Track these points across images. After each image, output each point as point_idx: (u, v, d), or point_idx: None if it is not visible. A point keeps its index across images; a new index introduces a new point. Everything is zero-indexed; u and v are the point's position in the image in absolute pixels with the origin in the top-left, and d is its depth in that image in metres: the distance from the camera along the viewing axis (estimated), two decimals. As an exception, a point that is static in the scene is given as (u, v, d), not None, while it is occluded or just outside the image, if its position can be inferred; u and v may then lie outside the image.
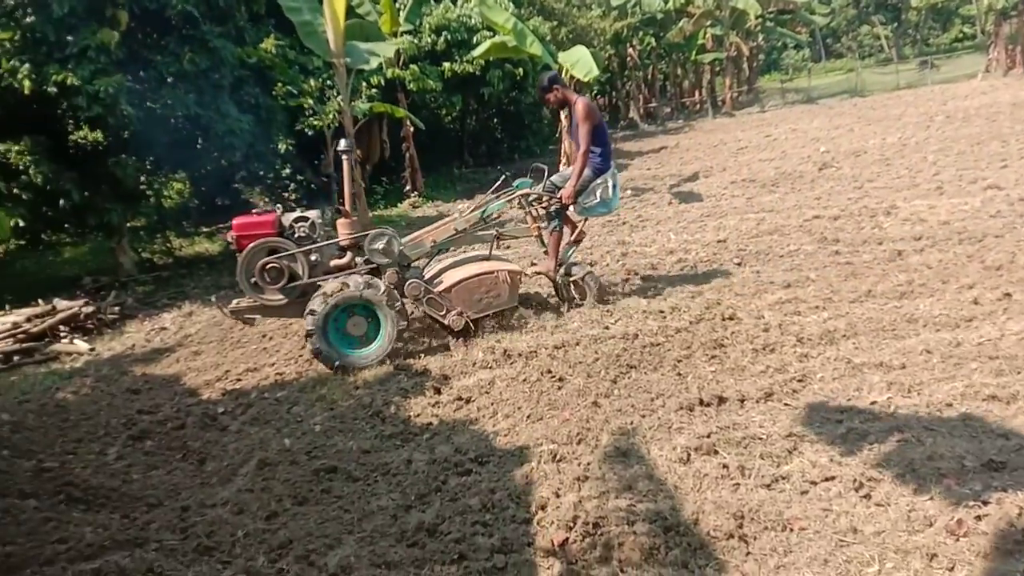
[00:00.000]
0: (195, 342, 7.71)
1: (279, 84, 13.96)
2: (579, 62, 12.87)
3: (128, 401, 6.09)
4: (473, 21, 19.49)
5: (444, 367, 5.76)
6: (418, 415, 5.04)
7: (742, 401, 4.55)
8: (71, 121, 10.33)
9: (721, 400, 4.55)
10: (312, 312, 5.77)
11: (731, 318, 5.98)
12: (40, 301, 9.38)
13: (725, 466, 3.77)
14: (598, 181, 6.57)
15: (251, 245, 5.89)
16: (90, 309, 9.14)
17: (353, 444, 4.62)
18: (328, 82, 14.96)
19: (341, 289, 5.82)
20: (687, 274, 7.54)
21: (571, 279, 6.83)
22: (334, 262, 6.26)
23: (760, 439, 4.02)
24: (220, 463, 4.59)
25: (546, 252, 6.86)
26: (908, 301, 6.11)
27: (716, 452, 3.94)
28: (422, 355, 6.12)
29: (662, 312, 6.24)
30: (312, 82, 15.02)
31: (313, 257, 6.06)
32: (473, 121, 24.36)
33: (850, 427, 4.07)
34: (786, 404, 4.47)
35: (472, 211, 6.66)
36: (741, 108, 33.75)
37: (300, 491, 4.05)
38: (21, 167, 9.70)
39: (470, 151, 23.83)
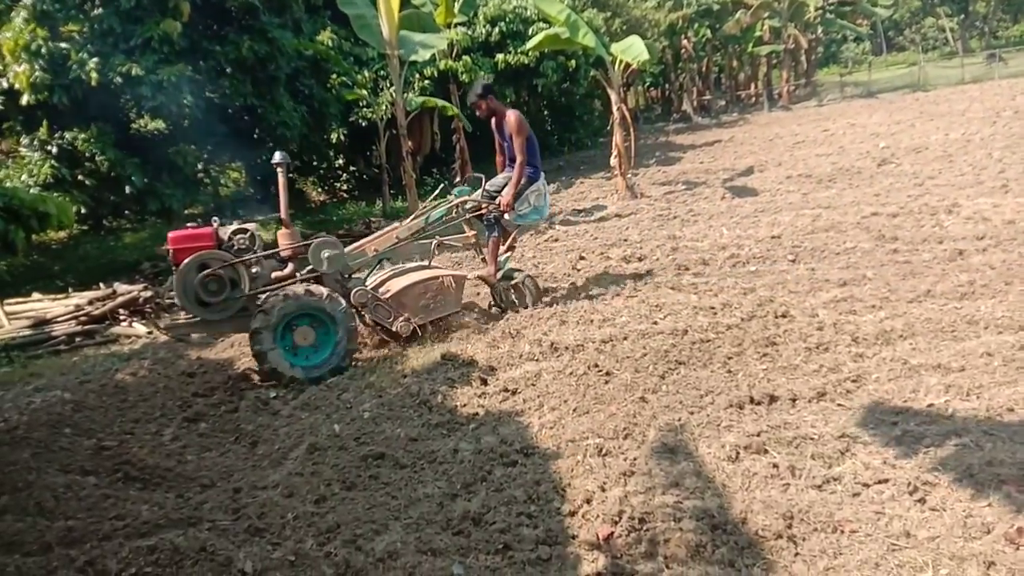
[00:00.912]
0: (249, 328, 7.87)
1: (334, 76, 14.15)
2: (630, 47, 12.71)
3: (184, 384, 6.26)
4: (528, 12, 19.45)
5: (491, 358, 5.78)
6: (464, 405, 5.07)
7: (794, 400, 4.46)
8: (134, 110, 10.63)
9: (772, 399, 4.47)
10: (260, 329, 5.58)
11: (784, 316, 5.88)
12: (101, 285, 9.70)
13: (775, 465, 3.71)
14: (531, 189, 6.82)
15: (188, 259, 5.60)
16: (149, 293, 9.41)
17: (401, 432, 4.67)
18: (382, 73, 15.10)
19: (285, 300, 5.65)
20: (739, 270, 7.42)
21: (512, 283, 7.00)
22: (275, 274, 6.06)
23: (812, 439, 3.94)
24: (271, 446, 4.69)
25: (484, 260, 7.06)
26: (969, 302, 5.91)
27: (766, 451, 3.87)
28: (468, 346, 6.15)
29: (713, 308, 6.16)
30: (366, 73, 15.20)
31: (254, 269, 5.84)
32: (524, 113, 24.33)
33: (905, 429, 3.96)
34: (839, 404, 4.37)
35: (413, 220, 6.67)
36: (798, 102, 33.05)
37: (348, 476, 4.11)
38: (87, 154, 10.03)
39: (520, 143, 23.79)
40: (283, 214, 6.26)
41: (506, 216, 6.81)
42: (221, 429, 5.09)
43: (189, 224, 5.91)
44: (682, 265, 7.71)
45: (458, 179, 18.26)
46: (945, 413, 4.12)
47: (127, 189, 10.50)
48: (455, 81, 18.07)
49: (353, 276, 6.32)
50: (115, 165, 10.20)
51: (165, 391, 6.05)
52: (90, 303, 8.92)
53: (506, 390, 5.19)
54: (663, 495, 3.51)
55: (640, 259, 8.18)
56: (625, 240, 9.37)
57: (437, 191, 7.21)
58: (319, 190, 22.54)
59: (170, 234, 5.69)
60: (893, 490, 3.41)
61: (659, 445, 4.03)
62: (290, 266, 6.13)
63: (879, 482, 3.49)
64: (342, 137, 15.69)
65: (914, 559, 2.90)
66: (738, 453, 3.86)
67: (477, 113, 7.13)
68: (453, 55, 17.91)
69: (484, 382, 5.39)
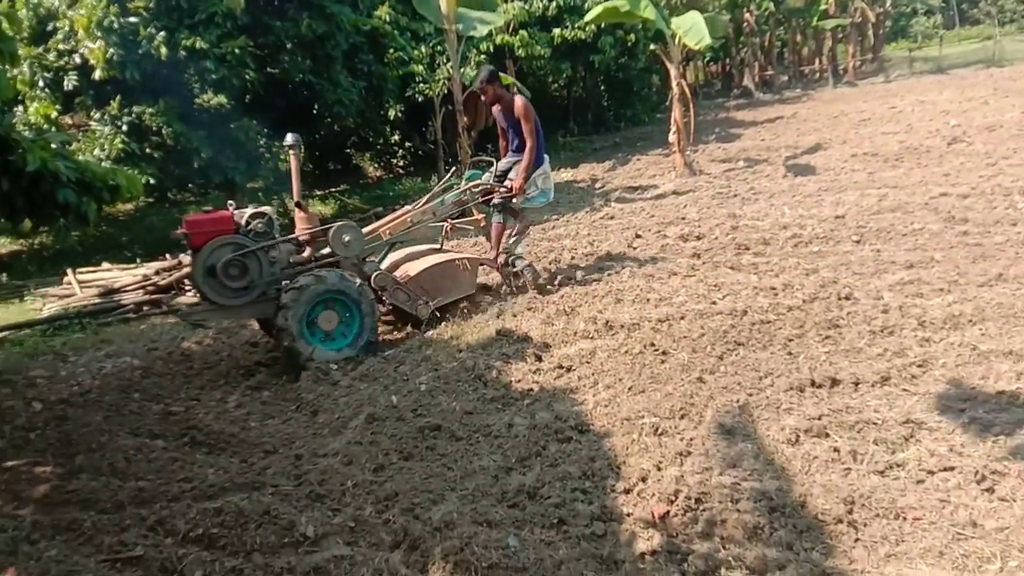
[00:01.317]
0: (308, 300, 8.03)
1: (391, 51, 14.20)
2: (691, 29, 12.43)
3: (247, 353, 6.44)
4: (587, -15, 19.15)
5: (545, 335, 5.78)
6: (519, 381, 5.09)
7: (856, 384, 4.36)
8: (198, 84, 10.86)
9: (834, 382, 4.38)
10: (287, 307, 5.50)
11: (847, 298, 5.73)
12: (167, 256, 10.00)
13: (836, 450, 3.64)
14: (538, 172, 6.86)
15: (208, 243, 5.41)
16: (213, 265, 9.65)
17: (456, 405, 4.73)
18: (439, 48, 15.09)
19: (318, 281, 5.61)
20: (801, 251, 7.24)
21: (513, 270, 7.00)
22: (293, 258, 5.97)
23: (875, 424, 3.85)
24: (331, 415, 4.79)
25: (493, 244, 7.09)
26: (1044, 287, 5.67)
27: (827, 435, 3.80)
28: (523, 323, 6.16)
29: (773, 289, 6.04)
30: (423, 49, 15.21)
31: (272, 254, 5.72)
32: (580, 88, 24.06)
33: (973, 416, 3.83)
34: (904, 389, 4.25)
35: (425, 203, 6.66)
36: (864, 77, 31.93)
37: (406, 446, 4.18)
38: (154, 128, 10.30)
39: (575, 119, 23.57)
40: (296, 196, 6.20)
41: (515, 199, 6.85)
42: (283, 398, 5.22)
43: (205, 208, 5.79)
44: (742, 244, 7.56)
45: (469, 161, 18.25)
46: (1017, 400, 3.97)
47: (193, 163, 10.77)
48: (511, 56, 17.97)
49: (366, 259, 6.28)
50: (180, 139, 10.46)
51: (229, 359, 6.24)
52: (156, 273, 9.21)
53: (560, 367, 5.19)
54: (720, 476, 3.49)
55: (698, 238, 8.05)
56: (683, 218, 9.23)
57: (449, 174, 7.19)
58: (375, 165, 22.76)
59: (187, 218, 5.50)
60: (959, 478, 3.31)
61: (716, 426, 3.99)
62: (308, 250, 6.05)
63: (945, 469, 3.40)
64: (399, 113, 15.76)
65: (980, 549, 2.83)
66: (798, 436, 3.80)
67: (483, 98, 7.11)
68: (510, 30, 17.78)
69: (539, 358, 5.41)
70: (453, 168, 7.18)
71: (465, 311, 6.51)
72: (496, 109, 7.05)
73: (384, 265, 6.45)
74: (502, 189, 6.78)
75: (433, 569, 3.01)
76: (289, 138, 6.02)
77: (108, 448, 4.38)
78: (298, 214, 6.09)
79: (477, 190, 6.81)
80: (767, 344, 5.09)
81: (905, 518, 3.08)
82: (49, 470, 4.23)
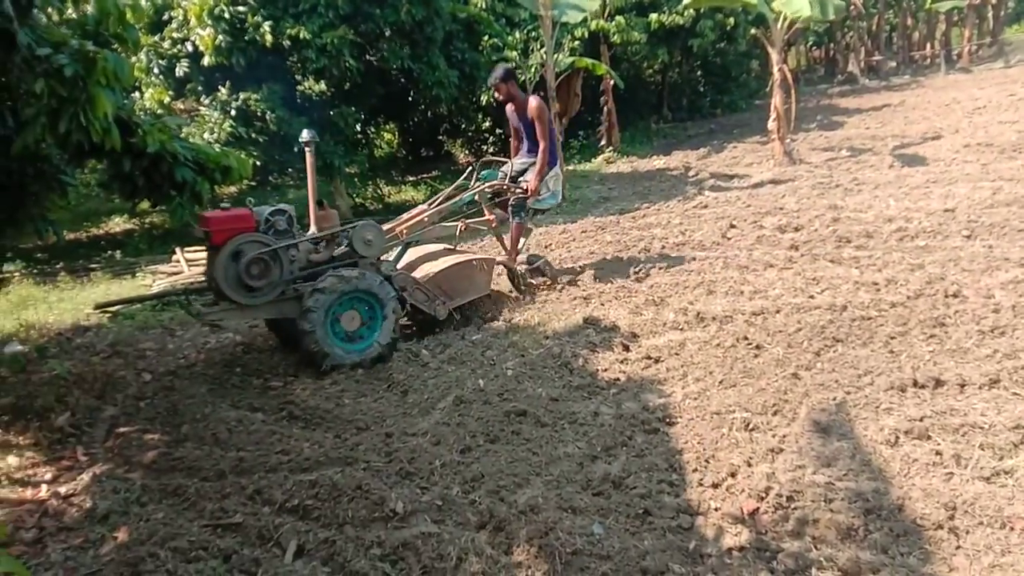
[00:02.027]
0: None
1: (486, 38, 14.27)
2: (792, 1, 11.91)
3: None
4: (686, -31, 18.71)
5: (633, 325, 5.74)
6: (605, 370, 5.07)
7: (962, 386, 4.14)
8: (300, 72, 11.22)
9: (938, 383, 4.18)
10: (312, 309, 5.31)
11: (955, 295, 5.44)
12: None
13: (938, 453, 3.48)
14: (551, 174, 6.81)
15: (230, 241, 5.17)
16: (310, 246, 9.99)
17: (542, 391, 4.75)
18: (533, 34, 15.07)
19: (343, 281, 5.42)
20: (907, 245, 6.90)
21: (533, 267, 7.02)
22: (312, 257, 5.75)
23: (981, 428, 3.65)
24: (420, 396, 4.90)
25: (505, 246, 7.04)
26: None
27: (929, 437, 3.64)
28: (611, 312, 6.13)
29: (876, 284, 5.79)
30: (517, 35, 15.22)
31: (292, 252, 5.50)
32: (675, 74, 23.57)
33: (1093, 425, 3.59)
34: (1015, 393, 4.01)
35: (441, 203, 6.50)
36: (981, 63, 30.04)
37: (492, 430, 4.23)
38: (258, 113, 10.72)
39: (670, 105, 23.12)
40: (313, 195, 5.95)
41: (528, 201, 6.79)
42: (375, 377, 5.37)
43: (223, 205, 5.46)
44: (843, 237, 7.27)
45: (603, 142, 18.09)
46: None
47: (295, 148, 11.15)
48: (606, 42, 17.74)
49: (381, 260, 5.98)
50: (283, 124, 10.85)
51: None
52: (258, 253, 9.59)
53: (648, 358, 5.14)
54: (814, 474, 3.39)
55: (797, 229, 7.78)
56: (781, 208, 8.94)
57: (465, 175, 7.05)
58: (466, 152, 22.98)
59: (207, 214, 5.22)
60: (1076, 490, 3.12)
61: (811, 423, 3.87)
62: (326, 249, 5.84)
63: (1059, 480, 3.20)
64: (492, 99, 15.84)
65: (1098, 565, 2.65)
66: (898, 437, 3.65)
67: (496, 95, 7.05)
68: (605, 15, 17.56)
69: (626, 348, 5.37)
70: (469, 168, 7.07)
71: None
72: (510, 108, 7.02)
73: (400, 265, 6.23)
74: (518, 190, 6.75)
75: (517, 551, 3.05)
76: (305, 135, 5.79)
77: (211, 419, 4.62)
78: (318, 212, 5.88)
79: (491, 190, 6.76)
80: (867, 341, 4.89)
81: (1012, 528, 2.93)
82: (157, 437, 4.49)
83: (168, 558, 3.13)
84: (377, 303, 5.60)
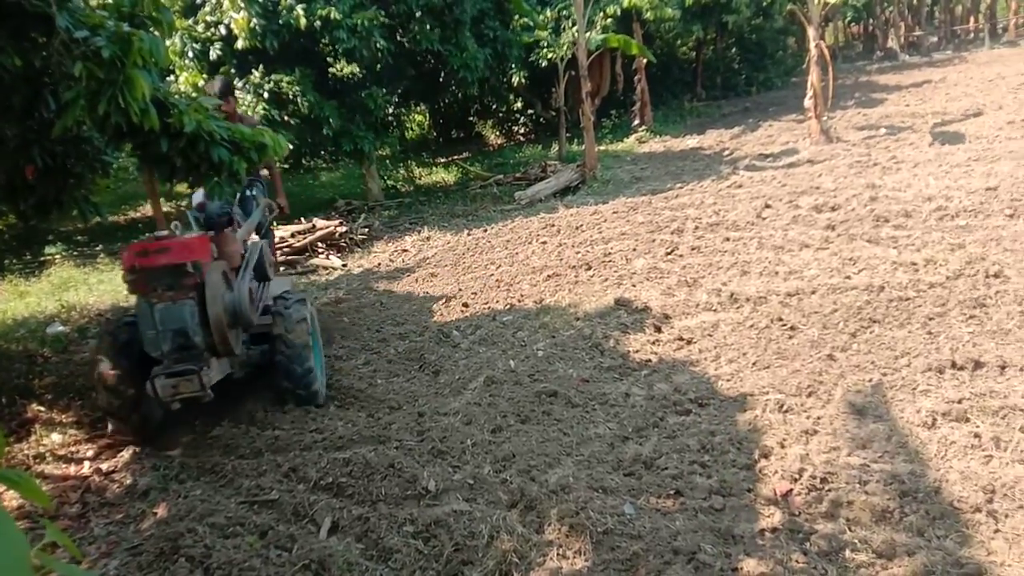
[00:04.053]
0: (432, 265, 8.26)
1: (517, 17, 14.15)
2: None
3: (376, 311, 6.70)
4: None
5: (665, 306, 5.70)
6: (637, 351, 5.05)
7: (1003, 368, 4.06)
8: (331, 54, 11.25)
9: (977, 364, 4.09)
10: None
11: (996, 276, 5.31)
12: (302, 219, 10.50)
13: (977, 435, 3.42)
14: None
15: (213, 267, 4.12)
16: (343, 229, 10.10)
17: (573, 372, 4.75)
18: (564, 13, 14.91)
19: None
20: (947, 224, 6.75)
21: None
22: None
23: (1022, 411, 3.58)
24: (452, 376, 4.93)
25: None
26: None
27: (967, 420, 3.57)
28: (642, 293, 6.09)
29: (914, 264, 5.68)
30: (548, 13, 15.07)
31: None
32: (710, 51, 23.19)
33: None
34: (1059, 376, 3.92)
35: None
36: (1028, 36, 29.10)
37: (523, 410, 4.25)
38: (291, 95, 10.77)
39: (704, 83, 22.77)
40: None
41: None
42: (407, 357, 5.41)
43: (156, 234, 4.08)
44: (881, 216, 7.12)
45: (636, 122, 17.89)
46: None
47: (324, 130, 11.21)
48: (639, 19, 17.49)
49: None
50: (314, 107, 10.89)
51: (357, 319, 6.50)
52: (292, 236, 9.71)
53: (681, 339, 5.11)
54: (848, 456, 3.35)
55: (833, 209, 7.64)
56: (817, 188, 8.77)
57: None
58: (497, 133, 22.91)
59: (165, 242, 3.99)
60: (1121, 474, 3.04)
61: (846, 405, 3.82)
62: None
63: (1105, 464, 3.12)
64: (522, 79, 15.74)
65: None
66: (935, 419, 3.59)
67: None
68: (638, -9, 17.30)
69: (658, 329, 5.34)
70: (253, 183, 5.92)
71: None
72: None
73: None
74: (276, 209, 5.93)
75: (549, 530, 3.06)
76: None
77: (248, 399, 4.69)
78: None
79: (272, 211, 5.87)
80: (905, 322, 4.80)
81: (1055, 513, 2.87)
82: (195, 417, 4.57)
83: (206, 533, 3.19)
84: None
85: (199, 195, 5.04)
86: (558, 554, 2.92)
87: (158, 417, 4.28)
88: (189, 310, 3.94)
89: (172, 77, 11.18)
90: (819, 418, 3.75)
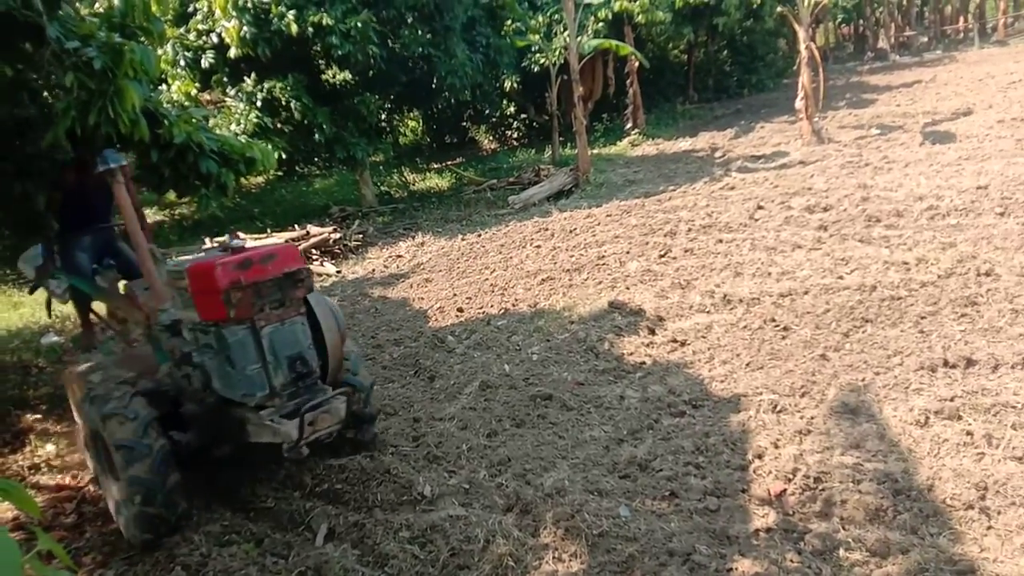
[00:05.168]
0: (426, 270, 8.26)
1: (508, 22, 14.19)
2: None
3: (370, 317, 6.70)
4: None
5: (659, 308, 5.71)
6: (631, 353, 5.06)
7: (995, 366, 4.07)
8: (323, 61, 11.27)
9: (970, 362, 4.11)
10: None
11: (988, 274, 5.34)
12: (296, 226, 10.51)
13: (969, 433, 3.43)
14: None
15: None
16: (337, 235, 10.10)
17: (568, 375, 4.76)
18: (556, 17, 14.96)
19: None
20: (938, 223, 6.78)
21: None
22: None
23: (1013, 408, 3.60)
24: (447, 381, 4.94)
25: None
26: None
27: (959, 417, 3.59)
28: (636, 295, 6.10)
29: (906, 263, 5.70)
30: (540, 18, 15.12)
31: None
32: (701, 54, 23.28)
33: None
34: (1051, 373, 3.95)
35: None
36: (1017, 36, 29.26)
37: (518, 414, 4.26)
38: (283, 101, 10.78)
39: (696, 86, 22.85)
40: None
41: None
42: (402, 363, 5.41)
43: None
44: (873, 216, 7.16)
45: (629, 125, 17.92)
46: None
47: (317, 137, 11.22)
48: (630, 23, 17.55)
49: None
50: (307, 114, 10.92)
51: (353, 324, 6.50)
52: (286, 242, 9.71)
53: (675, 341, 5.13)
54: (842, 456, 3.37)
55: (826, 209, 7.68)
56: (809, 189, 8.81)
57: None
58: (490, 138, 22.93)
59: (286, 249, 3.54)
60: (1113, 470, 3.06)
61: (839, 405, 3.84)
62: None
63: (1096, 460, 3.14)
64: (514, 84, 15.78)
65: None
66: (927, 418, 3.61)
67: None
68: (629, -4, 17.36)
69: (652, 332, 5.36)
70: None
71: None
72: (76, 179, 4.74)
73: None
74: None
75: (544, 533, 3.07)
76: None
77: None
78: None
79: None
80: (897, 321, 4.83)
81: (1047, 509, 2.88)
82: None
83: (202, 542, 3.20)
84: None
85: None
86: (554, 557, 2.93)
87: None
88: (302, 329, 3.31)
89: (164, 86, 11.18)
90: (812, 418, 3.76)
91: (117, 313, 4.38)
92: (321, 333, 3.42)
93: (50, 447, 4.46)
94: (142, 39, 4.00)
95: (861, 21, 35.80)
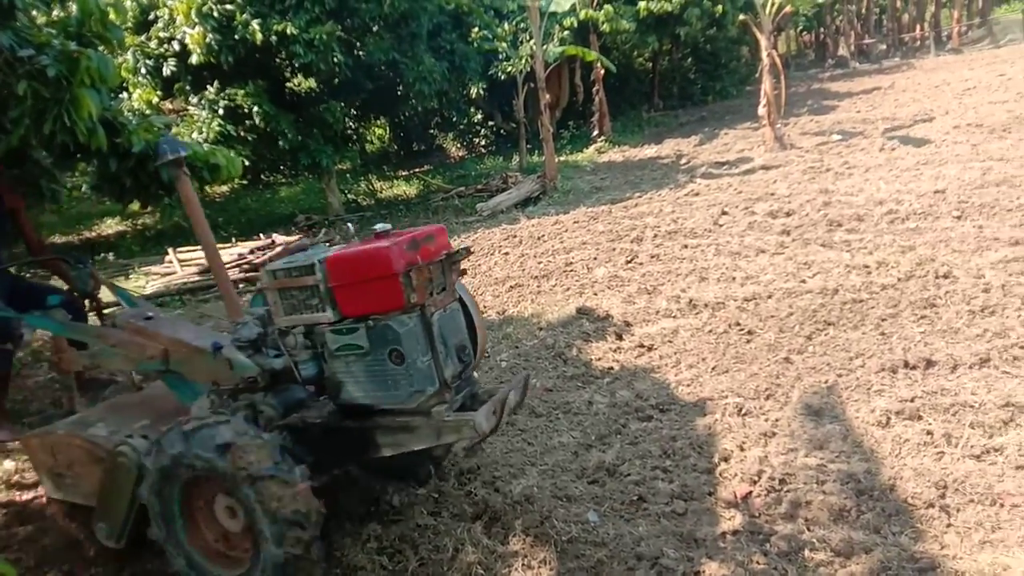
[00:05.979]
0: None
1: (475, 30, 14.23)
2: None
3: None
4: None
5: (626, 314, 5.75)
6: (599, 359, 5.09)
7: (954, 367, 4.17)
8: (287, 69, 11.20)
9: (929, 363, 4.20)
10: None
11: (946, 276, 5.46)
12: (261, 235, 10.39)
13: (929, 433, 3.50)
14: None
15: None
16: (304, 244, 10.00)
17: (536, 382, 4.76)
18: (522, 25, 15.04)
19: None
20: (898, 227, 6.92)
21: None
22: None
23: (971, 407, 3.68)
24: (415, 390, 4.90)
25: None
26: None
27: (920, 417, 3.66)
28: (604, 301, 6.13)
29: (867, 267, 5.81)
30: (506, 26, 15.18)
31: None
32: (665, 62, 23.54)
33: (1083, 402, 3.62)
34: (1005, 372, 4.04)
35: None
36: (971, 44, 30.04)
37: (487, 422, 4.24)
38: (246, 108, 10.68)
39: (660, 93, 23.10)
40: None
41: None
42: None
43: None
44: (834, 221, 7.29)
45: (596, 132, 18.04)
46: None
47: (281, 144, 11.14)
48: (596, 31, 17.71)
49: None
50: (271, 121, 10.84)
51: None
52: (251, 252, 9.60)
53: (642, 346, 5.16)
54: (806, 457, 3.41)
55: (788, 214, 7.80)
56: (772, 194, 8.95)
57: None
58: (458, 145, 22.95)
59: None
60: (1065, 465, 3.14)
61: (803, 407, 3.90)
62: None
63: (1049, 456, 3.22)
64: (481, 91, 15.82)
65: (1088, 541, 2.68)
66: (889, 418, 3.68)
67: None
68: (594, 4, 17.52)
69: (619, 337, 5.38)
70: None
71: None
72: None
73: None
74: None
75: (514, 541, 3.06)
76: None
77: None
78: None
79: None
80: (859, 324, 4.91)
81: (1002, 504, 2.95)
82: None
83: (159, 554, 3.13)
84: None
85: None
86: (523, 564, 2.93)
87: None
88: (462, 316, 2.98)
89: (125, 94, 11.01)
90: (777, 420, 3.81)
91: (70, 365, 3.75)
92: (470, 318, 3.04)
93: (8, 464, 4.35)
94: (100, 47, 3.93)
95: (822, 29, 36.48)
